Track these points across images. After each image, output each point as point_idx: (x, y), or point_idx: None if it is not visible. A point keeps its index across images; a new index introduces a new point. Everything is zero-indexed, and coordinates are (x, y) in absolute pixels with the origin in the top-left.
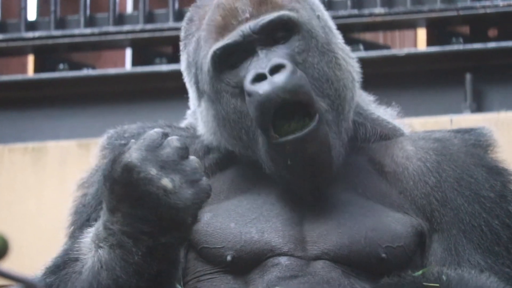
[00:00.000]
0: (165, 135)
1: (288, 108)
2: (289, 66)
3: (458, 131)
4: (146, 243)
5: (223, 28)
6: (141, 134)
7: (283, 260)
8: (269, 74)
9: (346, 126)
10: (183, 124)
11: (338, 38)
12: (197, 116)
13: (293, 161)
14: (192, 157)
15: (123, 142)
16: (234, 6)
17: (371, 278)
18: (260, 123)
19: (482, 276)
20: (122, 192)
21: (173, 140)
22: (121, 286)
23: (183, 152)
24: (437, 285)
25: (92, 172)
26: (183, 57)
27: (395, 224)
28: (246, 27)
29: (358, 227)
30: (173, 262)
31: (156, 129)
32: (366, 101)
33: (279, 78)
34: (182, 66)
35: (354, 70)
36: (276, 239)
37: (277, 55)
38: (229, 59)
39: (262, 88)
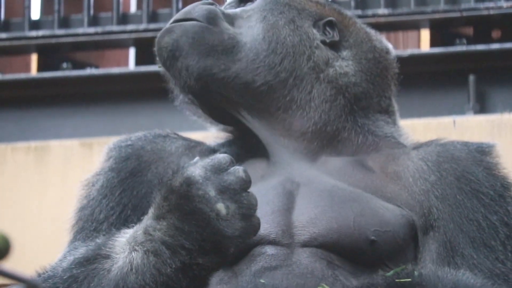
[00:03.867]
0: (233, 163)
1: None
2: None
3: (462, 141)
4: (182, 259)
5: None
6: (148, 140)
7: (269, 249)
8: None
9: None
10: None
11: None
12: None
13: None
14: (251, 193)
15: (129, 143)
16: None
17: (358, 268)
18: None
19: (458, 272)
20: (175, 203)
21: (240, 170)
22: None
23: (245, 185)
24: (409, 279)
25: (97, 173)
26: None
27: (383, 210)
28: None
29: (346, 212)
30: (202, 284)
31: (226, 155)
32: (381, 121)
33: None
34: None
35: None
36: (265, 225)
37: None
38: None
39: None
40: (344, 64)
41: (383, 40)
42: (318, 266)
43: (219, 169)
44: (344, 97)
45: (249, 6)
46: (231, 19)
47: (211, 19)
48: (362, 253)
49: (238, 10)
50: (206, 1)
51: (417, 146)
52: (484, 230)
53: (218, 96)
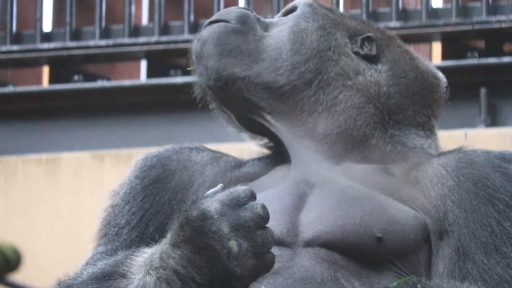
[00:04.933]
0: (253, 197)
1: None
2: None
3: (484, 149)
4: None
5: None
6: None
7: (273, 250)
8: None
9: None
10: None
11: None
12: None
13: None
14: (268, 229)
15: (156, 154)
16: None
17: (364, 268)
18: None
19: (463, 284)
20: (189, 235)
21: (258, 207)
22: None
23: (262, 222)
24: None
25: (123, 182)
26: None
27: (394, 210)
28: None
29: (354, 210)
30: None
31: (246, 188)
32: (414, 134)
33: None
34: None
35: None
36: (271, 223)
37: None
38: None
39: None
40: (376, 75)
41: (433, 67)
42: (318, 269)
43: (236, 204)
44: (374, 105)
45: (287, 17)
46: (265, 26)
47: (242, 21)
48: (368, 250)
49: (276, 19)
50: (243, 6)
51: (440, 154)
52: (496, 236)
53: (240, 100)
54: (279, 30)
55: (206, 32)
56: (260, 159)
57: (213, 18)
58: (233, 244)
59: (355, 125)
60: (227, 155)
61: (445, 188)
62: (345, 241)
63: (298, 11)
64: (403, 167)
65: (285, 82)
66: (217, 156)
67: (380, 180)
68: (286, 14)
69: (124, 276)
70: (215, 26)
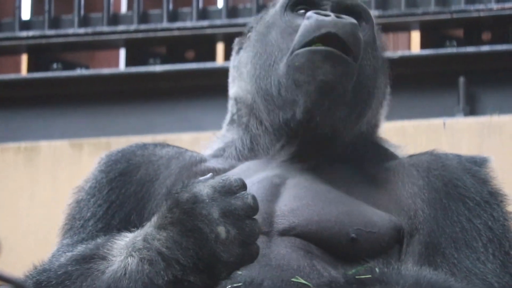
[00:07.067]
0: (244, 187)
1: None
2: (354, 23)
3: (455, 153)
4: (175, 273)
5: None
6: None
7: None
8: (334, 16)
9: (358, 125)
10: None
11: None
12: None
13: (308, 72)
14: (256, 221)
15: (120, 149)
16: None
17: (338, 261)
18: (302, 39)
19: (420, 269)
20: (178, 217)
21: (249, 197)
22: None
23: (251, 212)
24: (369, 276)
25: (88, 177)
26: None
27: (371, 214)
28: None
29: (330, 208)
30: None
31: (238, 178)
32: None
33: (342, 20)
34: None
35: (384, 95)
36: None
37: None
38: (297, 6)
39: (323, 17)
40: None
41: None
42: (295, 256)
43: (228, 192)
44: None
45: None
46: None
47: None
48: (342, 248)
49: None
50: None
51: (412, 155)
52: (467, 232)
53: None
54: None
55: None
56: (220, 155)
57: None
58: (221, 230)
59: (329, 125)
60: (191, 151)
61: (415, 187)
62: (319, 236)
63: None
64: (372, 167)
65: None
66: (182, 151)
67: (353, 183)
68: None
69: (104, 258)
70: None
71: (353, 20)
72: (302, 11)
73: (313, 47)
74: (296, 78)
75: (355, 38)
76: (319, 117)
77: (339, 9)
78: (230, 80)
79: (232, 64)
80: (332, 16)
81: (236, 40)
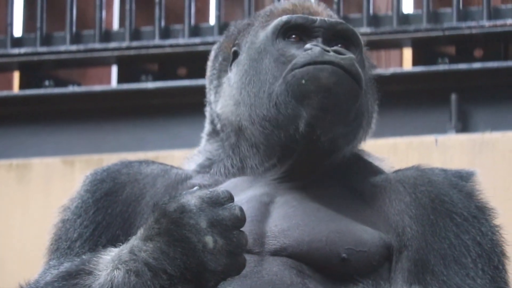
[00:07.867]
0: (231, 199)
1: None
2: (353, 57)
3: (441, 168)
4: (162, 283)
5: (291, 11)
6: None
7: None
8: (333, 52)
9: (353, 143)
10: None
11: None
12: (216, 95)
13: (313, 84)
14: (244, 232)
15: (105, 168)
16: (305, 5)
17: (329, 280)
18: (303, 60)
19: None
20: (165, 227)
21: (236, 208)
22: None
23: (239, 223)
24: None
25: (73, 197)
26: (214, 48)
27: (361, 232)
28: (315, 17)
29: (320, 228)
30: None
31: (226, 190)
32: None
33: (342, 57)
34: (211, 56)
35: (373, 114)
36: None
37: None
38: (288, 32)
39: (325, 52)
40: None
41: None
42: (287, 273)
43: (215, 203)
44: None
45: None
46: None
47: None
48: (333, 268)
49: None
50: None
51: (398, 170)
52: (455, 248)
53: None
54: None
55: None
56: (205, 172)
57: None
58: (209, 240)
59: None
60: (176, 168)
61: (402, 203)
62: (310, 257)
63: None
64: (360, 184)
65: None
66: (167, 168)
67: (344, 199)
68: None
69: (90, 273)
70: None
71: (352, 55)
72: (294, 38)
73: (318, 65)
74: (298, 91)
75: (357, 70)
76: (320, 130)
77: (330, 35)
78: (211, 90)
79: (209, 72)
80: (332, 53)
81: (215, 48)
